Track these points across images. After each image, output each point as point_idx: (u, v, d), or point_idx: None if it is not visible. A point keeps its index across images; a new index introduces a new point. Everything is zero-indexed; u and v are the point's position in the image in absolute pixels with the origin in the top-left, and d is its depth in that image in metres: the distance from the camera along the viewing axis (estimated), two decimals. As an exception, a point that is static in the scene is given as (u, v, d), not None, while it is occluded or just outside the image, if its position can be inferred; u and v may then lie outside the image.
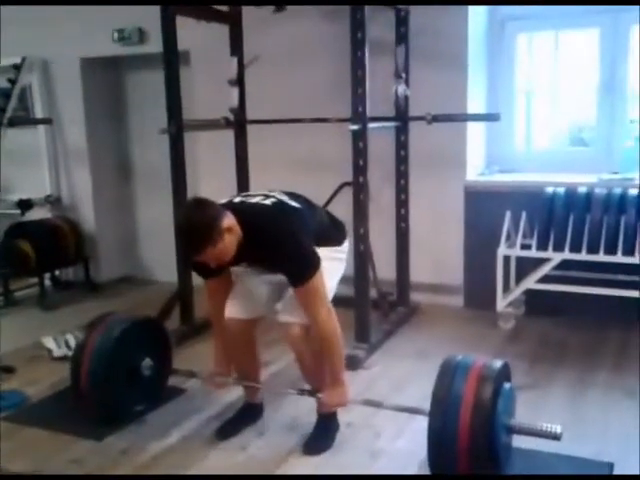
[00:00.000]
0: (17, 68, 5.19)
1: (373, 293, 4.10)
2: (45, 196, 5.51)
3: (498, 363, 2.50)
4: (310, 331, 2.71)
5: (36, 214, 5.36)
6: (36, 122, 5.50)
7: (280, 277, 2.71)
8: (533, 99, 4.82)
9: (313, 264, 2.56)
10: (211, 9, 4.19)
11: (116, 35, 5.11)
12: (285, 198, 2.72)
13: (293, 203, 2.71)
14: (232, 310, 2.83)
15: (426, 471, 2.49)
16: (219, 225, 2.46)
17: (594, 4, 4.22)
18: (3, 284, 5.14)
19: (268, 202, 2.67)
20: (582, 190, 4.01)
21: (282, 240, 2.55)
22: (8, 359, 3.88)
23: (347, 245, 2.96)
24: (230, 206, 2.63)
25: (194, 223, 2.45)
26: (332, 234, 2.87)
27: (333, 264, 2.79)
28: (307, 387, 2.94)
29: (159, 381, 3.24)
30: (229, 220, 2.51)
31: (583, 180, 4.20)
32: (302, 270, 2.56)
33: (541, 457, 2.66)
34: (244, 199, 2.75)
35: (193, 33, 4.30)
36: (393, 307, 4.44)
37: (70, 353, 3.80)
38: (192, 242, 2.47)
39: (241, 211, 2.60)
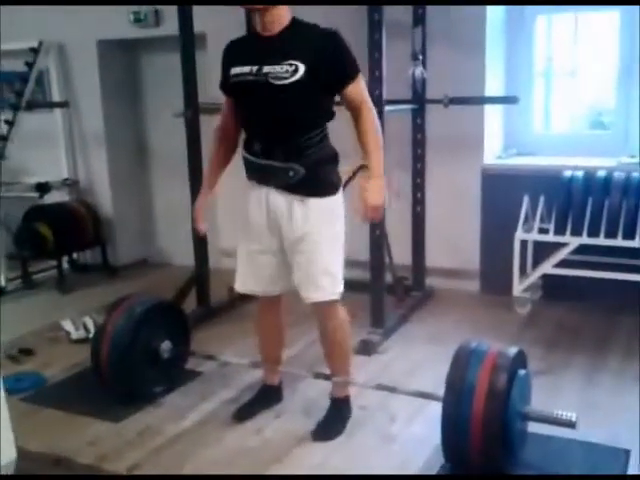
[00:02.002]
0: (34, 51, 5.19)
1: (388, 278, 4.09)
2: (63, 179, 5.54)
3: (513, 350, 2.49)
4: (336, 304, 2.71)
5: (54, 197, 5.39)
6: (53, 105, 5.52)
7: (281, 248, 2.68)
8: (552, 82, 4.76)
9: (358, 64, 2.62)
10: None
11: (132, 17, 5.10)
12: None
13: None
14: (246, 286, 2.83)
15: (439, 457, 2.49)
16: None
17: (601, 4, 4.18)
18: (22, 267, 5.18)
19: None
20: (601, 174, 3.97)
21: (338, 37, 2.56)
22: (27, 341, 3.93)
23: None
24: None
25: None
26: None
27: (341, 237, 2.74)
28: (324, 371, 2.95)
29: (177, 363, 3.28)
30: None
31: (602, 164, 4.15)
32: (355, 63, 2.60)
33: (556, 443, 2.65)
34: None
35: (209, 15, 4.28)
36: (408, 292, 4.43)
37: (88, 335, 3.87)
38: None
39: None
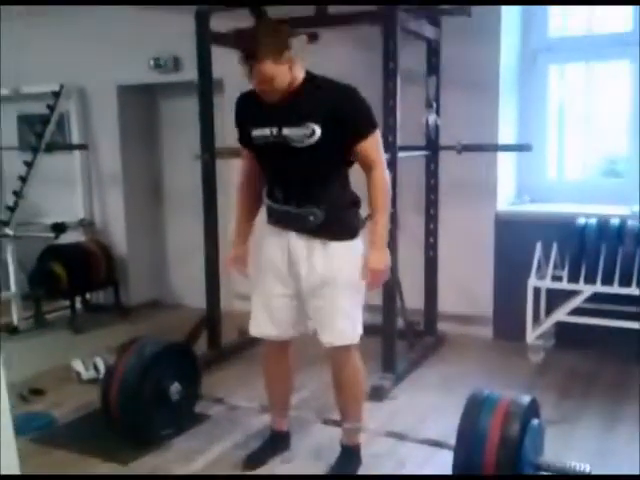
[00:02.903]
0: (56, 95, 5.31)
1: (400, 322, 4.07)
2: (78, 220, 5.60)
3: (526, 399, 2.46)
4: (351, 350, 2.70)
5: (69, 237, 5.44)
6: (72, 148, 5.61)
7: (299, 293, 2.69)
8: (565, 129, 4.80)
9: (375, 121, 2.61)
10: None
11: (152, 62, 5.22)
12: None
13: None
14: (260, 329, 2.81)
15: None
16: (286, 44, 2.47)
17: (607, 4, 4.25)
18: (35, 306, 5.22)
19: None
20: (614, 222, 3.96)
21: (351, 92, 2.58)
22: (37, 381, 3.93)
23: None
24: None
25: (267, 28, 2.52)
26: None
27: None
28: (335, 416, 2.93)
29: (187, 406, 3.25)
30: (296, 59, 2.53)
31: (616, 212, 4.15)
32: (370, 119, 2.59)
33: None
34: None
35: (227, 61, 4.34)
36: (420, 337, 4.41)
37: (98, 376, 3.86)
38: (255, 42, 2.46)
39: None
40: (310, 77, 2.61)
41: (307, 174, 2.61)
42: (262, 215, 2.81)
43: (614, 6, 4.35)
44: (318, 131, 2.51)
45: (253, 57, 2.44)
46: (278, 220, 2.71)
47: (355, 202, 2.72)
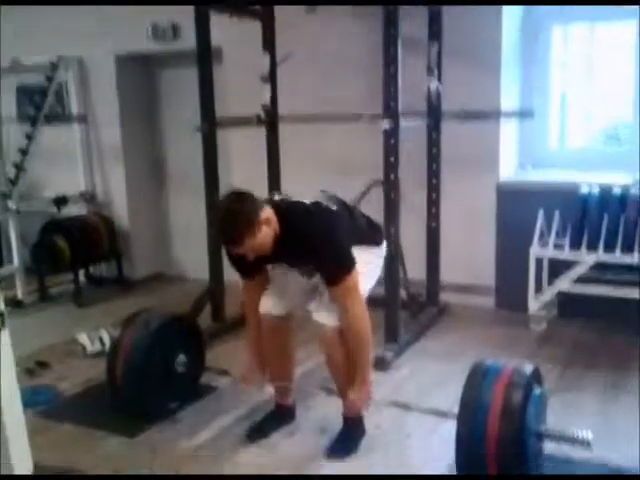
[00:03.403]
0: (53, 66, 5.26)
1: (403, 293, 4.08)
2: (80, 192, 5.59)
3: (528, 368, 2.46)
4: (343, 334, 2.70)
5: (71, 210, 5.44)
6: (71, 119, 5.57)
7: (315, 280, 2.73)
8: (568, 96, 4.75)
9: (347, 264, 2.58)
10: (244, 6, 4.21)
11: (150, 31, 5.16)
12: (324, 201, 2.74)
13: (331, 205, 2.73)
14: (265, 305, 2.85)
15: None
16: (258, 216, 2.49)
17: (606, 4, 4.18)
18: (39, 280, 5.23)
19: (307, 202, 2.71)
20: (617, 190, 3.94)
21: (319, 238, 2.58)
22: (43, 354, 3.96)
23: (384, 248, 2.97)
24: (270, 202, 2.66)
25: (233, 214, 2.48)
26: (369, 235, 2.88)
27: (369, 268, 2.79)
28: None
29: (192, 378, 3.28)
30: (267, 212, 2.54)
31: (618, 179, 4.12)
32: (338, 270, 2.58)
33: (571, 464, 2.62)
34: (284, 197, 2.79)
35: (226, 30, 4.31)
36: (423, 308, 4.42)
37: (103, 349, 3.88)
38: (231, 233, 2.49)
39: (280, 207, 2.63)
40: (285, 222, 2.60)
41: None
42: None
43: (614, 6, 4.27)
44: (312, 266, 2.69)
45: (237, 245, 2.51)
46: None
47: (376, 229, 2.94)
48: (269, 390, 3.16)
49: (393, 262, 3.73)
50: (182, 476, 2.58)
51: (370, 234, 2.89)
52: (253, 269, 2.79)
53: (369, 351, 2.73)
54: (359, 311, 2.63)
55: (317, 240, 2.57)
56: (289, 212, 2.63)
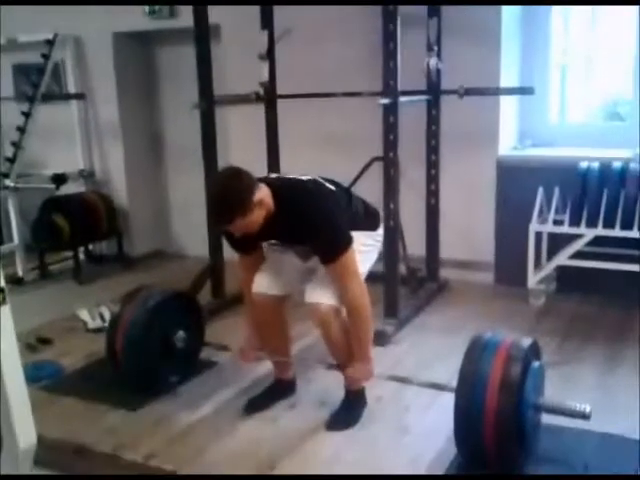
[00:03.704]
0: (49, 43, 5.22)
1: (402, 269, 4.10)
2: (78, 170, 5.58)
3: (527, 341, 2.48)
4: (339, 312, 2.71)
5: (70, 188, 5.43)
6: (69, 97, 5.55)
7: (310, 263, 2.74)
8: (568, 72, 4.73)
9: (344, 241, 2.58)
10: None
11: (147, 9, 5.12)
12: (321, 180, 2.74)
13: (328, 185, 2.73)
14: (259, 285, 2.85)
15: (453, 448, 2.50)
16: (251, 197, 2.47)
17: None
18: (39, 258, 5.25)
19: (304, 178, 2.71)
20: (617, 165, 3.95)
21: (316, 214, 2.57)
22: (44, 331, 3.98)
23: (381, 232, 2.98)
24: (266, 180, 2.66)
25: (227, 192, 2.47)
26: (367, 220, 2.88)
27: (366, 249, 2.81)
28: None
29: (192, 353, 3.30)
30: (262, 193, 2.53)
31: (618, 155, 4.13)
32: (333, 246, 2.57)
33: (571, 434, 2.65)
34: (280, 176, 2.80)
35: (223, 7, 4.28)
36: (422, 283, 4.44)
37: (104, 325, 3.91)
38: (222, 211, 2.49)
39: (276, 185, 2.63)
40: (281, 200, 2.59)
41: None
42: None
43: (614, 6, 4.24)
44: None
45: (227, 224, 2.51)
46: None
47: (374, 214, 2.92)
48: (268, 364, 3.19)
49: (392, 238, 3.74)
50: (182, 476, 2.61)
51: (367, 218, 2.89)
52: (248, 245, 2.80)
53: (369, 328, 2.74)
54: (358, 289, 2.62)
55: (314, 217, 2.57)
56: (285, 189, 2.62)
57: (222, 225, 2.55)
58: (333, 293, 2.67)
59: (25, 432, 2.18)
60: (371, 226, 2.89)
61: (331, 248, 2.58)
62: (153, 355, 3.08)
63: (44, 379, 3.33)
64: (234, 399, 3.11)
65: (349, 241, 2.59)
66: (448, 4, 4.15)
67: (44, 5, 5.12)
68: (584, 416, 2.42)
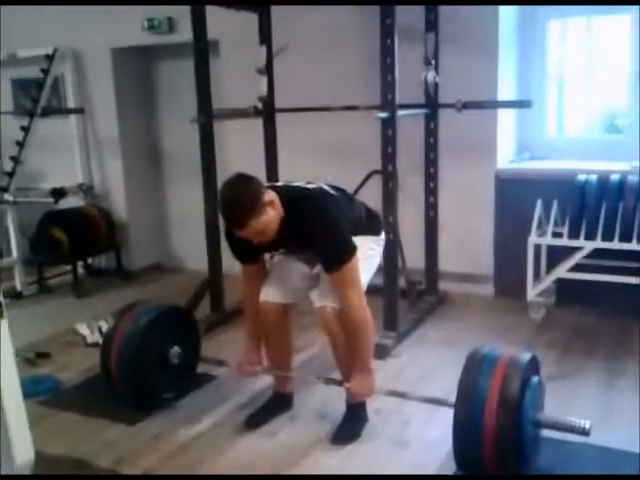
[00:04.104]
0: (49, 58, 5.25)
1: (402, 282, 4.10)
2: (78, 184, 5.59)
3: (526, 356, 2.47)
4: (342, 319, 2.71)
5: (69, 202, 5.44)
6: (68, 111, 5.57)
7: (316, 270, 2.76)
8: (565, 85, 4.75)
9: (349, 250, 2.59)
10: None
11: (146, 24, 5.15)
12: (326, 187, 2.77)
13: (333, 192, 2.76)
14: (267, 294, 2.86)
15: (452, 462, 2.49)
16: (262, 198, 2.49)
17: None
18: (38, 271, 5.24)
19: (310, 187, 2.73)
20: (615, 178, 3.95)
21: (321, 221, 2.59)
22: (43, 345, 3.97)
23: (383, 237, 2.99)
24: (272, 187, 2.68)
25: (238, 196, 2.48)
26: (369, 225, 2.91)
27: (370, 254, 2.83)
28: (337, 376, 2.95)
29: (188, 369, 3.28)
30: (271, 195, 2.56)
31: (616, 168, 4.14)
32: (338, 254, 2.59)
33: (570, 447, 2.64)
34: (286, 183, 2.82)
35: (222, 22, 4.30)
36: (422, 296, 4.43)
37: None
38: (235, 215, 2.50)
39: (283, 192, 2.64)
40: (288, 206, 2.61)
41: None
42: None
43: (614, 6, 4.26)
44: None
45: (241, 226, 2.51)
46: None
47: (375, 219, 2.95)
48: (267, 378, 3.18)
49: (392, 250, 3.74)
50: (181, 476, 2.59)
51: (369, 223, 2.92)
52: (253, 255, 2.80)
53: (369, 341, 2.75)
54: (356, 301, 2.63)
55: (319, 224, 2.59)
56: (291, 196, 2.64)
57: (237, 229, 2.53)
58: (338, 297, 2.69)
59: (22, 447, 2.16)
60: (374, 231, 2.93)
61: (335, 256, 2.60)
62: (147, 371, 3.06)
63: (42, 394, 3.32)
64: (233, 413, 3.10)
65: (353, 250, 2.60)
66: (445, 4, 4.17)
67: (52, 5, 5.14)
68: (584, 432, 2.41)
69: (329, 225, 2.60)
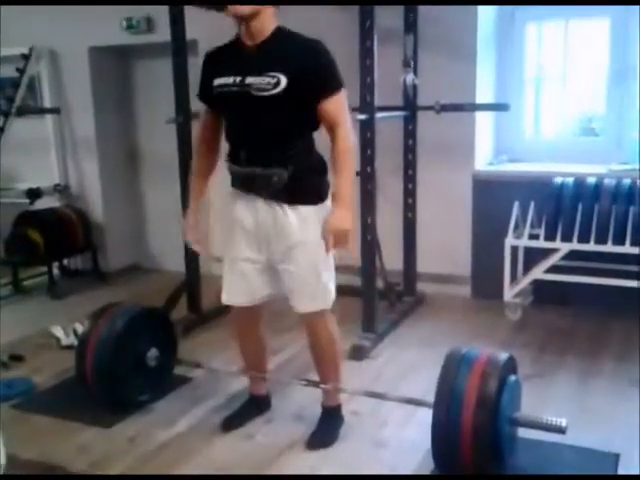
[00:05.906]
0: (25, 57, 5.18)
1: (380, 283, 4.10)
2: (53, 185, 5.52)
3: (503, 356, 2.49)
4: (324, 313, 2.70)
5: (45, 203, 5.37)
6: (44, 111, 5.50)
7: (263, 254, 2.67)
8: (542, 88, 4.79)
9: (341, 81, 2.55)
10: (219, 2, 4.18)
11: (124, 23, 5.11)
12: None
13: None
14: (229, 298, 2.79)
15: (430, 462, 2.49)
16: None
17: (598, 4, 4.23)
18: (12, 273, 5.17)
19: None
20: (591, 180, 3.99)
21: (320, 50, 2.54)
22: (17, 347, 3.91)
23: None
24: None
25: None
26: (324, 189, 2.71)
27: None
28: (314, 377, 2.95)
29: (164, 371, 3.25)
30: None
31: (592, 170, 4.18)
32: (337, 78, 2.54)
33: (546, 447, 2.66)
34: None
35: (201, 22, 4.28)
36: (400, 297, 4.44)
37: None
38: None
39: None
40: (280, 29, 2.56)
41: (271, 130, 2.55)
42: (229, 179, 2.76)
43: (613, 6, 4.30)
44: (284, 81, 2.46)
45: None
46: (243, 184, 2.66)
47: (321, 166, 2.67)
48: (243, 380, 3.17)
49: (370, 252, 3.75)
50: (181, 476, 2.57)
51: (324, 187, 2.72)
52: (217, 100, 2.64)
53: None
54: (348, 129, 2.56)
55: (318, 51, 2.53)
56: (291, 31, 2.59)
57: None
58: (316, 295, 2.66)
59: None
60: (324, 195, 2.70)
61: (335, 79, 2.54)
62: (123, 374, 3.02)
63: (15, 397, 3.27)
64: (210, 415, 3.08)
65: (343, 83, 2.56)
66: (424, 4, 4.18)
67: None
68: (560, 430, 2.43)
69: (327, 54, 2.54)
